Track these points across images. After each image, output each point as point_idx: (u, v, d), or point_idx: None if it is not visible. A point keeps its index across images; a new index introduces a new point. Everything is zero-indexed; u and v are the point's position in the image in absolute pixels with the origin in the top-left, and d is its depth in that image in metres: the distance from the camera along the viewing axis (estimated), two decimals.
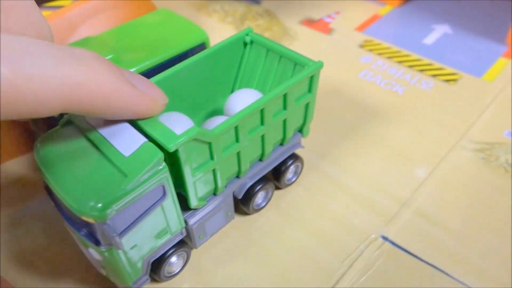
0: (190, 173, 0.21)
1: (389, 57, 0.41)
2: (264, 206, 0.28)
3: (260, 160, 0.26)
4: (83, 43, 0.28)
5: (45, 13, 0.33)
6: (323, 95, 0.36)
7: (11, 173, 0.31)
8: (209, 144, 0.21)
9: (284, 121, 0.26)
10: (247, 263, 0.26)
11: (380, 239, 0.26)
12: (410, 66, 0.39)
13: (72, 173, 0.19)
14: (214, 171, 0.23)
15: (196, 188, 0.23)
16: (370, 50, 0.41)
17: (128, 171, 0.19)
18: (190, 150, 0.21)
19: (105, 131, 0.20)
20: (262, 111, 0.23)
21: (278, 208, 0.28)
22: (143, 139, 0.20)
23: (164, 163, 0.20)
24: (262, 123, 0.24)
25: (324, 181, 0.30)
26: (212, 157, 0.22)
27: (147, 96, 0.20)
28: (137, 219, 0.20)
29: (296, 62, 0.26)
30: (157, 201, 0.20)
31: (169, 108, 0.25)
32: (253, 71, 0.28)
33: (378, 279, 0.25)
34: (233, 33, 0.42)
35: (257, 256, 0.26)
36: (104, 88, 0.18)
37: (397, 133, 0.33)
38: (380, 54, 0.41)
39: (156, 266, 0.23)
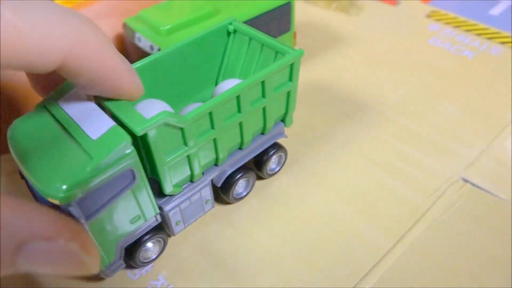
0: (162, 159, 0.21)
1: (457, 26, 0.44)
2: (245, 196, 0.28)
3: (240, 148, 0.26)
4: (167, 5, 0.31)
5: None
6: (392, 60, 0.39)
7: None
8: (182, 130, 0.21)
9: (264, 110, 0.25)
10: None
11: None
12: (478, 34, 0.42)
13: (41, 156, 0.19)
14: (188, 157, 0.23)
15: (170, 174, 0.23)
16: (437, 20, 0.44)
17: (94, 154, 0.19)
18: (161, 135, 0.21)
19: (75, 115, 0.20)
20: (238, 98, 0.23)
21: (260, 197, 0.28)
22: (112, 123, 0.20)
23: (132, 148, 0.20)
24: (239, 110, 0.24)
25: (310, 172, 0.30)
26: (185, 143, 0.22)
27: (133, 77, 0.20)
28: (105, 203, 0.20)
29: (277, 51, 0.26)
30: (126, 185, 0.20)
31: (152, 95, 0.26)
32: (237, 60, 0.28)
33: (461, 215, 0.27)
34: (301, 5, 0.46)
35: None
36: (102, 53, 0.18)
37: (473, 91, 0.36)
38: (447, 23, 0.44)
39: (131, 252, 0.23)
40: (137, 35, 0.30)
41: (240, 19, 0.30)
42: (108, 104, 0.21)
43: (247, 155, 0.27)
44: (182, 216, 0.25)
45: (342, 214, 0.27)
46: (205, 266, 0.25)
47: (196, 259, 0.25)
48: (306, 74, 0.38)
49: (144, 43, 0.29)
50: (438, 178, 0.29)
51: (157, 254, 0.25)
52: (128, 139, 0.19)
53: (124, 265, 0.24)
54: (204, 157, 0.24)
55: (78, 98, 0.21)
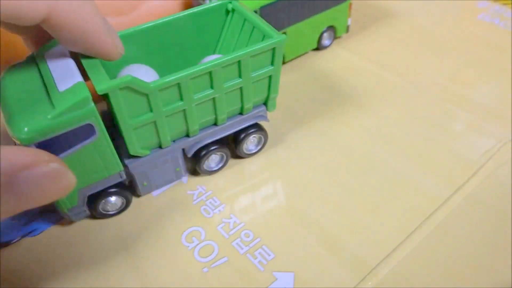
0: (125, 121, 0.23)
1: (505, 3, 0.44)
2: (217, 170, 0.29)
3: (215, 124, 0.27)
4: None
5: None
6: (440, 31, 0.41)
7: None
8: (147, 96, 0.23)
9: (241, 90, 0.26)
10: None
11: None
12: None
13: (17, 103, 0.21)
14: (155, 124, 0.24)
15: (136, 136, 0.24)
16: None
17: (56, 105, 0.21)
18: (125, 98, 0.22)
19: (53, 68, 0.22)
20: (210, 74, 0.24)
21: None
22: (79, 79, 0.21)
23: (92, 104, 0.21)
24: (211, 86, 0.25)
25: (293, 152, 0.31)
26: (151, 110, 0.24)
27: (111, 38, 0.22)
28: (66, 151, 0.22)
29: (264, 34, 0.26)
30: (86, 138, 0.22)
31: (145, 62, 0.27)
32: (231, 39, 0.29)
33: None
34: None
35: None
36: (83, 12, 0.20)
37: None
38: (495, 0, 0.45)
39: (94, 200, 0.25)
40: None
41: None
42: (84, 61, 0.22)
43: (221, 131, 0.28)
44: (148, 178, 0.27)
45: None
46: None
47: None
48: (356, 46, 0.40)
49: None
50: (491, 138, 0.31)
51: (117, 210, 0.27)
52: (87, 94, 0.21)
53: (87, 212, 0.26)
54: (173, 126, 0.25)
55: (61, 54, 0.23)
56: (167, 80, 0.23)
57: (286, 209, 0.27)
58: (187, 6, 0.35)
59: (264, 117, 0.29)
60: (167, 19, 0.27)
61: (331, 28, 0.38)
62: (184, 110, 0.25)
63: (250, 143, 0.29)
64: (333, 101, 0.34)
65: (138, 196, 0.28)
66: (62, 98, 0.21)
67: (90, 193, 0.25)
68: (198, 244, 0.26)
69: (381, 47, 0.40)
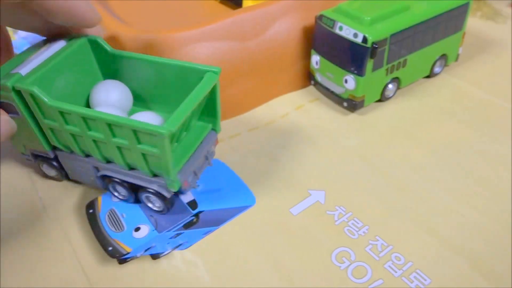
0: (39, 117, 0.26)
1: None
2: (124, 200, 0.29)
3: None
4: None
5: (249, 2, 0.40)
6: None
7: None
8: (51, 107, 0.25)
9: (131, 152, 0.25)
10: None
11: None
12: None
13: None
14: (62, 132, 0.26)
15: (52, 134, 0.27)
16: None
17: None
18: (34, 101, 0.25)
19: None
20: (98, 122, 0.24)
21: None
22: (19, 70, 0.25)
23: (8, 87, 0.24)
24: (102, 132, 0.25)
25: None
26: (53, 120, 0.26)
27: (87, 7, 0.26)
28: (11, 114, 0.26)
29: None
30: (14, 113, 0.26)
31: (127, 82, 0.29)
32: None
33: None
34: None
35: None
36: None
37: None
38: None
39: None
40: (339, 24, 0.33)
41: (425, 15, 0.34)
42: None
43: (125, 174, 0.27)
44: (72, 169, 0.29)
45: None
46: None
47: None
48: (464, 73, 0.40)
49: (346, 31, 0.33)
50: None
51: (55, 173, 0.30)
52: (6, 84, 0.24)
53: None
54: (80, 144, 0.27)
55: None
56: (62, 106, 0.24)
57: (429, 229, 0.27)
58: (309, 31, 0.36)
59: (164, 190, 0.26)
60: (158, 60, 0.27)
61: (444, 56, 0.39)
62: (82, 137, 0.26)
63: (149, 202, 0.28)
64: (448, 124, 0.35)
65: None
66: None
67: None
68: (350, 265, 0.26)
69: (489, 74, 0.40)
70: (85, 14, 0.26)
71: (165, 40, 0.32)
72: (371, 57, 0.32)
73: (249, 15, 0.34)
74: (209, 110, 0.27)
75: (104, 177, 0.28)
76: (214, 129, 0.28)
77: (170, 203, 0.28)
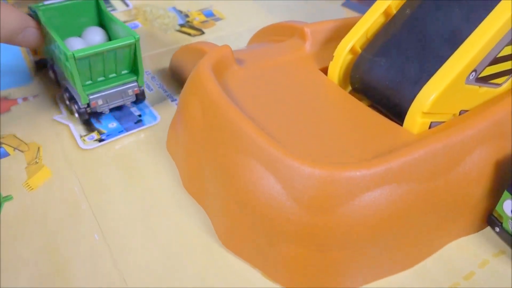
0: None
1: None
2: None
3: None
4: None
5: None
6: None
7: None
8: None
9: None
10: None
11: None
12: None
13: None
14: None
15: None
16: None
17: None
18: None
19: None
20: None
21: None
22: None
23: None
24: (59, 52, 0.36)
25: None
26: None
27: None
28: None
29: None
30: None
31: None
32: None
33: None
34: None
35: None
36: None
37: None
38: None
39: None
40: None
41: None
42: None
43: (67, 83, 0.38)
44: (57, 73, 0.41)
45: None
46: None
47: None
48: None
49: None
50: None
51: None
52: None
53: None
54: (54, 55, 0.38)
55: None
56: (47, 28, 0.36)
57: None
58: (501, 165, 0.28)
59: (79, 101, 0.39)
60: None
61: None
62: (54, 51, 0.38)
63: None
64: None
65: None
66: None
67: None
68: None
69: None
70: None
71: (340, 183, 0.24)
72: None
73: (441, 146, 0.26)
74: (135, 68, 0.38)
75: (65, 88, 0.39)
76: (137, 82, 0.38)
77: (81, 115, 0.38)
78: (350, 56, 0.34)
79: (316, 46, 0.38)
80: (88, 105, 0.37)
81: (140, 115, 0.41)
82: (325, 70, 0.35)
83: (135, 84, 0.38)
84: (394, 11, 0.34)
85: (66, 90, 0.39)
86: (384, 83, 0.32)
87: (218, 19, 0.58)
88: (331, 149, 0.27)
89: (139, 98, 0.39)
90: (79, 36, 0.40)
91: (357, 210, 0.24)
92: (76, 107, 0.38)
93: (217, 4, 0.60)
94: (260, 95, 0.32)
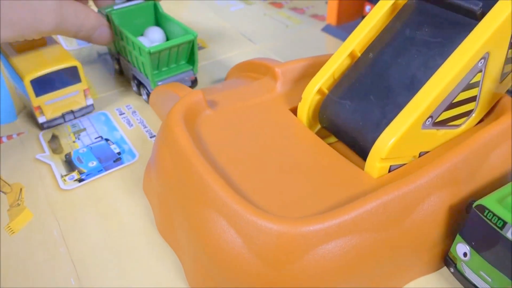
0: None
1: None
2: None
3: None
4: None
5: None
6: None
7: None
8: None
9: None
10: None
11: None
12: None
13: None
14: None
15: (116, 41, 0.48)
16: None
17: None
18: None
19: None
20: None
21: None
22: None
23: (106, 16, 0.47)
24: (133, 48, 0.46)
25: None
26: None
27: None
28: None
29: None
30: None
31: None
32: None
33: None
34: None
35: None
36: None
37: None
38: None
39: None
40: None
41: None
42: None
43: (138, 74, 0.48)
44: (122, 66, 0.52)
45: None
46: None
47: None
48: None
49: None
50: None
51: None
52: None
53: None
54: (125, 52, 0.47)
55: None
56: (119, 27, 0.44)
57: None
58: (455, 210, 0.29)
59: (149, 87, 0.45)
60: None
61: None
62: (125, 47, 0.47)
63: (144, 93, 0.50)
64: None
65: None
66: None
67: None
68: None
69: None
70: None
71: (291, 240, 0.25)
72: None
73: (394, 197, 0.27)
74: (191, 59, 0.46)
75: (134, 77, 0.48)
76: (193, 70, 0.47)
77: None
78: (318, 97, 0.36)
79: (287, 86, 0.39)
80: None
81: (119, 153, 0.42)
82: (295, 110, 0.37)
83: (191, 72, 0.47)
84: (359, 54, 0.36)
85: (134, 78, 0.48)
86: (349, 125, 0.33)
87: (201, 48, 0.59)
88: (294, 199, 0.29)
89: (193, 84, 0.48)
90: (140, 33, 0.49)
91: (313, 263, 0.26)
92: (146, 91, 0.47)
93: (201, 33, 0.62)
94: (230, 140, 0.33)
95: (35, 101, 0.42)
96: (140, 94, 0.49)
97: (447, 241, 0.30)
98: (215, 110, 0.36)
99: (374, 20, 0.35)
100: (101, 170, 0.40)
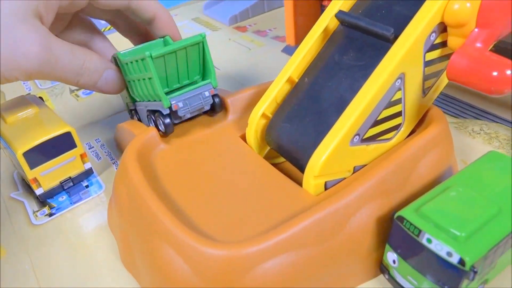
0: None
1: None
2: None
3: None
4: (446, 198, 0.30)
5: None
6: None
7: None
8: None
9: None
10: None
11: None
12: None
13: None
14: None
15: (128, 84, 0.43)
16: None
17: None
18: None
19: None
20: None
21: None
22: None
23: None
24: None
25: None
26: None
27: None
28: None
29: None
30: None
31: None
32: None
33: None
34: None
35: None
36: None
37: None
38: None
39: None
40: (426, 235, 0.28)
41: None
42: None
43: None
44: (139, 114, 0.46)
45: None
46: None
47: None
48: None
49: (437, 246, 0.27)
50: None
51: None
52: None
53: None
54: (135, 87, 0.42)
55: None
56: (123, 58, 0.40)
57: None
58: (383, 220, 0.31)
59: (161, 107, 0.39)
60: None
61: None
62: (135, 81, 0.41)
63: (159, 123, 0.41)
64: None
65: None
66: None
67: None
68: None
69: None
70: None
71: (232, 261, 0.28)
72: (468, 279, 0.28)
73: (325, 213, 0.30)
74: (206, 71, 0.40)
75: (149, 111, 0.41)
76: (211, 83, 0.39)
77: (167, 126, 0.39)
78: (263, 121, 0.39)
79: (236, 114, 0.42)
80: (171, 110, 0.38)
81: (87, 186, 0.45)
82: (245, 136, 0.40)
83: (209, 86, 0.39)
84: (296, 80, 0.39)
85: (150, 112, 0.40)
86: (291, 146, 0.36)
87: None
88: (237, 222, 0.31)
89: (215, 101, 0.40)
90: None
91: (254, 282, 0.28)
92: (161, 120, 0.39)
93: None
94: (183, 172, 0.36)
95: (30, 173, 0.39)
96: (157, 126, 0.41)
97: (381, 250, 0.33)
98: (169, 144, 0.39)
99: (307, 46, 0.38)
100: (70, 203, 0.43)
